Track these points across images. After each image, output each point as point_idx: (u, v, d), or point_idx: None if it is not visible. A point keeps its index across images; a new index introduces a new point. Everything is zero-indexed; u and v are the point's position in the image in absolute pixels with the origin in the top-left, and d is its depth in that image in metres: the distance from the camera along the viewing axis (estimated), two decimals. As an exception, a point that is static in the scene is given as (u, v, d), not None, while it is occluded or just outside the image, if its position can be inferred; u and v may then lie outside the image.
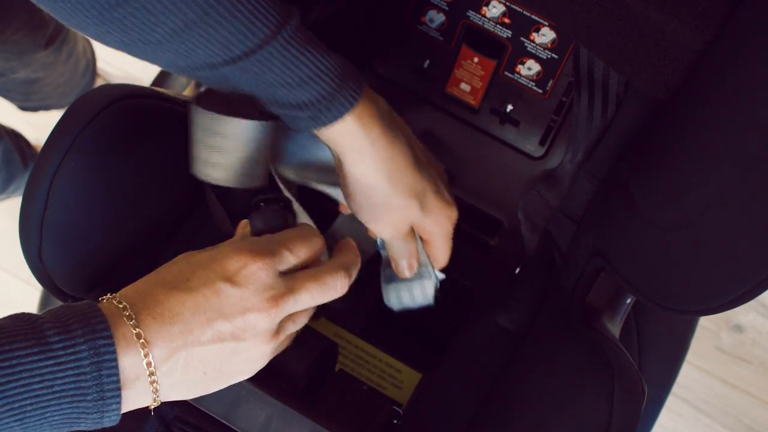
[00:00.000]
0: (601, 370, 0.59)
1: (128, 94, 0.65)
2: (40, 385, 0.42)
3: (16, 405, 0.42)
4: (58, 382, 0.43)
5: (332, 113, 0.54)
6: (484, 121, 0.82)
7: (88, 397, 0.44)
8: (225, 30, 0.50)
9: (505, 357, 0.69)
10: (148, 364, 0.46)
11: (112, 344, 0.44)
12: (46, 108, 1.30)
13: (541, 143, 0.80)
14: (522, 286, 0.75)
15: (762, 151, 0.44)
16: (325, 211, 0.69)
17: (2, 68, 1.09)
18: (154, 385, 0.46)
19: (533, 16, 0.72)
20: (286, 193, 0.61)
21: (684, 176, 0.52)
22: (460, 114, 0.83)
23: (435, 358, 0.71)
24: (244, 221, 0.57)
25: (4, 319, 0.44)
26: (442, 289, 0.67)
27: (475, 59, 0.77)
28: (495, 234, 0.81)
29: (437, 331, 0.77)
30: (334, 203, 0.68)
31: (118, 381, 0.44)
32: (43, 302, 1.27)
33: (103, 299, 0.48)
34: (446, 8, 0.77)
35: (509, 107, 0.80)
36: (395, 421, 0.67)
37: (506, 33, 0.75)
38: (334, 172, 0.63)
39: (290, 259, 0.51)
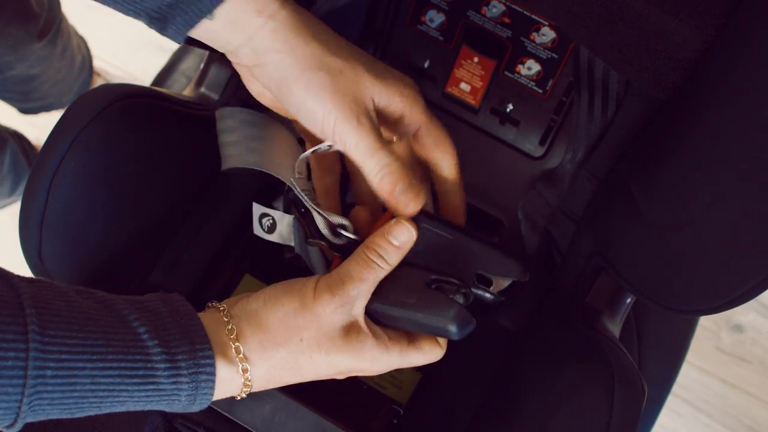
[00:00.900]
0: (602, 369, 0.59)
1: (128, 93, 0.65)
2: (135, 405, 0.45)
3: (105, 408, 0.44)
4: (153, 404, 0.45)
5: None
6: (484, 120, 0.82)
7: (177, 406, 0.46)
8: None
9: (505, 357, 0.69)
10: (246, 380, 0.48)
11: (213, 375, 0.46)
12: (47, 109, 1.30)
13: (541, 143, 0.80)
14: (522, 286, 0.75)
15: (763, 151, 0.44)
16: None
17: None
18: (247, 385, 0.48)
19: (533, 16, 0.72)
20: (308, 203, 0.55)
21: (685, 176, 0.52)
22: (460, 114, 0.83)
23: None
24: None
25: (96, 307, 0.44)
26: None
27: (475, 59, 0.77)
28: (495, 234, 0.81)
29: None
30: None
31: (211, 396, 0.47)
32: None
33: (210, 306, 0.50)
34: (446, 8, 0.77)
35: (509, 107, 0.80)
36: (395, 421, 0.67)
37: (506, 33, 0.75)
38: None
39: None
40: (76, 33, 1.31)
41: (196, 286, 0.71)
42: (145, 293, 0.49)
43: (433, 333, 0.51)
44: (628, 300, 0.68)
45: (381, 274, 0.49)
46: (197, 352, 0.45)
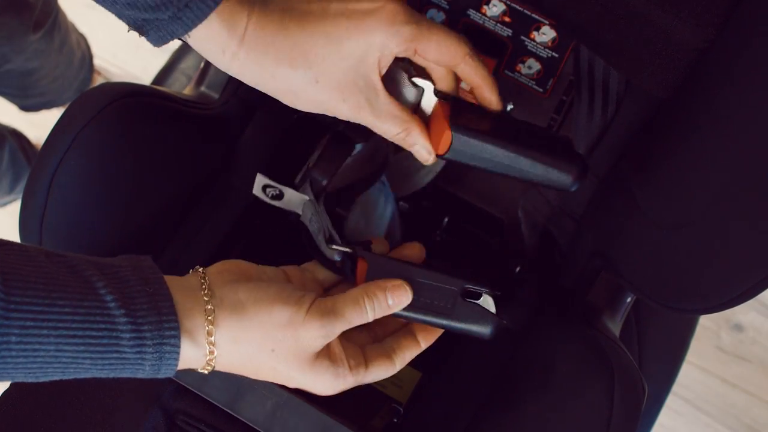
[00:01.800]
0: (602, 368, 0.59)
1: (129, 92, 0.65)
2: (100, 372, 0.45)
3: (69, 374, 0.44)
4: (118, 371, 0.45)
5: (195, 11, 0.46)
6: (485, 120, 0.82)
7: (141, 375, 0.46)
8: None
9: (505, 356, 0.69)
10: (209, 361, 0.48)
11: (178, 347, 0.46)
12: (46, 106, 1.30)
13: (542, 142, 0.80)
14: (522, 286, 0.75)
15: (763, 151, 0.44)
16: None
17: None
18: (209, 365, 0.49)
19: (534, 15, 0.72)
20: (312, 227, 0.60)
21: (685, 175, 0.52)
22: (461, 113, 0.83)
23: (435, 357, 0.71)
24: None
25: (64, 273, 0.44)
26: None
27: (476, 58, 0.77)
28: (495, 233, 0.81)
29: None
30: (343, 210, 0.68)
31: (175, 367, 0.47)
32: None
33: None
34: (446, 7, 0.77)
35: (509, 106, 0.80)
36: (395, 420, 0.68)
37: (506, 32, 0.75)
38: None
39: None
40: (76, 29, 1.31)
41: (197, 285, 0.71)
42: None
43: (467, 335, 0.57)
44: (629, 299, 0.68)
45: (366, 320, 0.53)
46: (163, 323, 0.45)
